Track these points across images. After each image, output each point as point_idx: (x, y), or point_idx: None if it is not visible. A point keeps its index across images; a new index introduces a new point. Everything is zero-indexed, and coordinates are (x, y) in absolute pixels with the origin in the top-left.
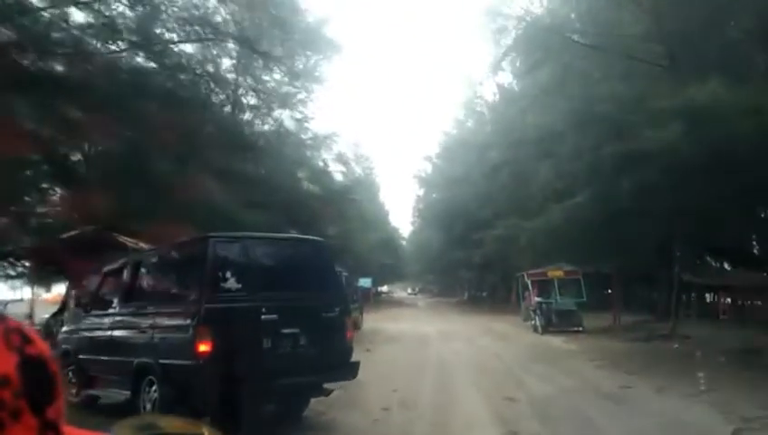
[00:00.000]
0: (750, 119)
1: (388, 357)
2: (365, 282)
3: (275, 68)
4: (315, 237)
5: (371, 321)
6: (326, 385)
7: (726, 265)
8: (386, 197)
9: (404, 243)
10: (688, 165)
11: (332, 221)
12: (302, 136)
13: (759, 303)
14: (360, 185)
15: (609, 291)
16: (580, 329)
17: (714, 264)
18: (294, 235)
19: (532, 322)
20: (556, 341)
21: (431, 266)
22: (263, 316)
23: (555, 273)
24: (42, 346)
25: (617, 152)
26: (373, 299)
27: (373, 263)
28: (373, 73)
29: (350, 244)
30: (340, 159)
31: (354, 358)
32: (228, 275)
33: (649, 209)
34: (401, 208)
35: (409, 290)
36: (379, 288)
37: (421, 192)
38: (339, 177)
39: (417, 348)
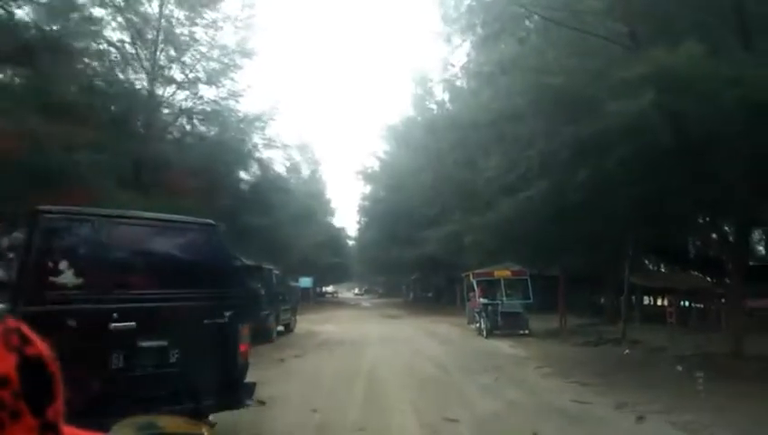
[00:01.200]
0: (730, 90)
1: (316, 366)
2: (305, 282)
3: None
4: (202, 220)
5: (309, 323)
6: (211, 417)
7: (663, 268)
8: (332, 195)
9: (351, 242)
10: (652, 151)
11: (259, 211)
12: (229, 115)
13: (701, 305)
14: (297, 173)
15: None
16: (527, 332)
17: (651, 266)
18: (173, 215)
19: (477, 325)
20: (502, 345)
21: (377, 267)
22: (112, 324)
23: (502, 273)
24: (41, 346)
25: (575, 134)
26: (314, 300)
27: (316, 262)
28: (316, 64)
29: (284, 239)
30: (272, 143)
31: (253, 377)
32: (65, 265)
33: (603, 206)
34: (349, 207)
35: (356, 291)
36: (324, 288)
37: (367, 189)
38: (277, 167)
39: (352, 354)
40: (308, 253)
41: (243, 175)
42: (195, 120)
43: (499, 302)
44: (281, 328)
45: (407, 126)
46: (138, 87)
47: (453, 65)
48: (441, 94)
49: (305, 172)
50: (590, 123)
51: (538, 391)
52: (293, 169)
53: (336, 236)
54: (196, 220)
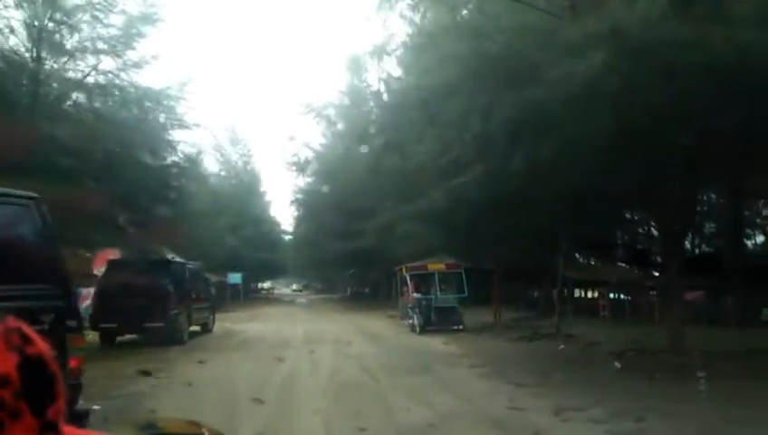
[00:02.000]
0: (691, 53)
1: (222, 373)
2: (234, 277)
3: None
4: (16, 191)
5: (234, 322)
6: None
7: (592, 261)
8: (268, 187)
9: (287, 237)
10: (593, 133)
11: (170, 199)
12: (131, 89)
13: (630, 298)
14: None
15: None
16: (461, 327)
17: (581, 260)
18: None
19: (410, 320)
20: (435, 342)
21: (312, 262)
22: None
23: (436, 266)
24: (42, 346)
25: (511, 116)
26: (245, 296)
27: (248, 257)
28: (241, 46)
29: (210, 232)
30: (183, 123)
31: (139, 389)
32: None
33: (538, 196)
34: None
35: (294, 287)
36: (261, 285)
37: (300, 181)
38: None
39: (271, 356)
40: (238, 248)
41: (150, 158)
42: (95, 96)
43: (433, 296)
44: (197, 328)
45: (340, 113)
46: (19, 55)
47: (387, 51)
48: (376, 83)
49: (237, 163)
50: (530, 93)
51: (471, 395)
52: (226, 162)
53: (270, 231)
54: (6, 191)
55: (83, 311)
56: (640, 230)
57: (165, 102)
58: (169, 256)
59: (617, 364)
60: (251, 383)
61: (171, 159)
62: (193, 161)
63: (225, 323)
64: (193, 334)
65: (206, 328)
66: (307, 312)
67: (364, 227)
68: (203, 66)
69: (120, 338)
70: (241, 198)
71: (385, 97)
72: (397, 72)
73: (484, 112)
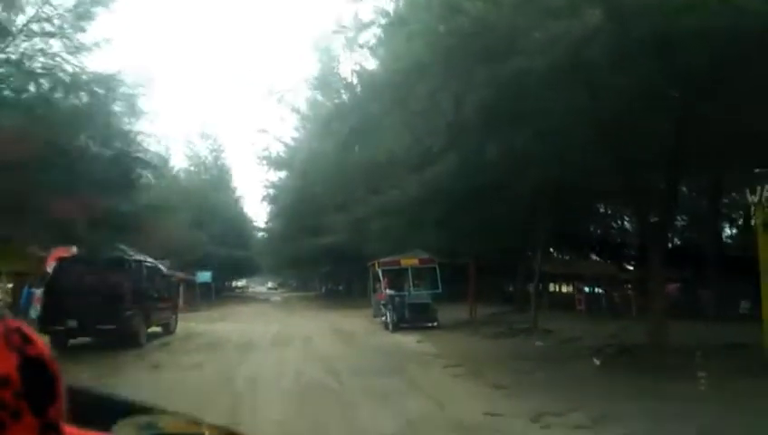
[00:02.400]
0: (685, 15)
1: (175, 379)
2: (203, 276)
3: None
4: None
5: (202, 321)
6: None
7: (564, 255)
8: (240, 183)
9: (262, 234)
10: (574, 116)
11: (118, 192)
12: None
13: (607, 292)
14: (196, 160)
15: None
16: (436, 324)
17: (555, 254)
18: None
19: (383, 318)
20: (409, 340)
21: (287, 259)
22: None
23: (409, 261)
24: (42, 346)
25: (491, 82)
26: (216, 295)
27: (220, 255)
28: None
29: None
30: (138, 111)
31: None
32: None
33: (514, 188)
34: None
35: (269, 285)
36: (235, 283)
37: (272, 176)
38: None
39: (232, 360)
40: (208, 245)
41: (101, 148)
42: (39, 81)
43: (406, 293)
44: (158, 329)
45: (313, 104)
46: None
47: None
48: (348, 73)
49: (207, 158)
50: (508, 67)
51: (444, 399)
52: (195, 157)
53: (241, 227)
54: None
55: (35, 313)
56: (614, 224)
57: (118, 89)
58: (127, 254)
59: (596, 361)
60: (206, 391)
61: (128, 149)
62: (153, 153)
63: (192, 323)
64: (154, 336)
65: (167, 329)
66: (280, 310)
67: (336, 221)
68: (173, 56)
69: (73, 341)
70: (211, 193)
71: (358, 88)
72: (369, 60)
73: (456, 96)
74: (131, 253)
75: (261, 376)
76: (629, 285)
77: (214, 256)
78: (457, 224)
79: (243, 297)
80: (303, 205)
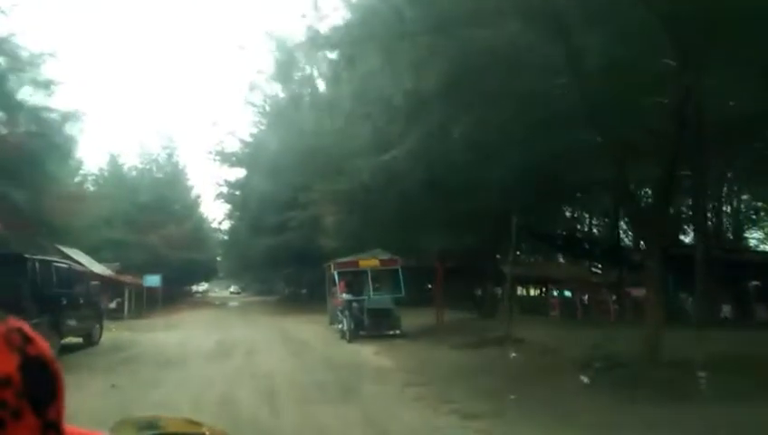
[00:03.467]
0: None
1: (71, 405)
2: (151, 280)
3: None
4: None
5: (140, 330)
6: None
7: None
8: (198, 182)
9: (220, 235)
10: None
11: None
12: None
13: (584, 296)
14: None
15: (430, 285)
16: (398, 332)
17: (521, 255)
18: None
19: (340, 326)
20: (366, 352)
21: (245, 261)
22: None
23: (368, 262)
24: (43, 346)
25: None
26: (169, 301)
27: (173, 257)
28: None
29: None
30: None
31: None
32: None
33: (486, 174)
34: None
35: (231, 289)
36: (195, 287)
37: (227, 173)
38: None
39: (152, 379)
40: (159, 247)
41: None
42: None
43: (365, 297)
44: (77, 340)
45: (269, 98)
46: None
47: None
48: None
49: (159, 155)
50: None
51: (399, 430)
52: (145, 154)
53: (197, 228)
54: None
55: None
56: (581, 225)
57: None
58: (30, 251)
59: (584, 379)
60: (102, 418)
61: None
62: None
63: (127, 332)
64: (71, 349)
65: (89, 340)
66: (234, 317)
67: (293, 220)
68: (125, 44)
69: None
70: (164, 192)
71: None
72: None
73: (415, 64)
74: (33, 251)
75: (176, 405)
76: (606, 290)
77: (167, 259)
78: (419, 220)
79: (199, 303)
80: (260, 203)
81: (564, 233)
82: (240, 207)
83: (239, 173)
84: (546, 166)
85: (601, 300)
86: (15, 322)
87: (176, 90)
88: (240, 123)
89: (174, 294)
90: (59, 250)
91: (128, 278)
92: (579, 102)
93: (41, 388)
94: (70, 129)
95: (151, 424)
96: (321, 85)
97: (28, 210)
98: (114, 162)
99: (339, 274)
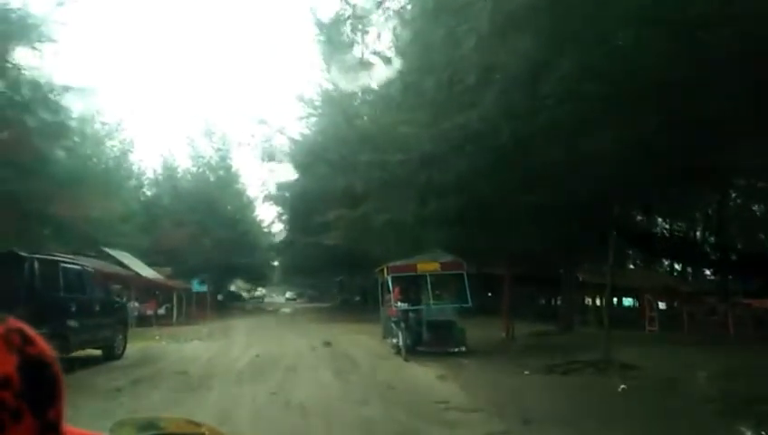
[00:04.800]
0: None
1: None
2: (198, 285)
3: None
4: None
5: (178, 338)
6: None
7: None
8: (250, 184)
9: (274, 239)
10: None
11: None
12: None
13: (689, 308)
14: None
15: (489, 293)
16: (463, 349)
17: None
18: None
19: (394, 340)
20: (428, 375)
21: (296, 267)
22: None
23: (427, 266)
24: (43, 347)
25: None
26: (220, 306)
27: (226, 262)
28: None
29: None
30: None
31: None
32: None
33: (585, 148)
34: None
35: (288, 295)
36: (251, 293)
37: (277, 175)
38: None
39: (163, 407)
40: (210, 251)
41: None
42: None
43: (424, 307)
44: (97, 352)
45: (321, 93)
46: None
47: None
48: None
49: (212, 158)
50: None
51: None
52: (197, 158)
53: (247, 232)
54: None
55: None
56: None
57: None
58: (31, 249)
59: (743, 430)
60: None
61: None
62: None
63: (163, 342)
64: (86, 362)
65: (110, 353)
66: (282, 325)
67: (341, 217)
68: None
69: None
70: (217, 196)
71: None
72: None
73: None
74: (37, 251)
75: None
76: (717, 300)
77: (218, 263)
78: (485, 215)
79: (251, 309)
80: (309, 204)
81: (679, 234)
82: (290, 209)
83: (289, 173)
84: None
85: (712, 312)
86: (15, 322)
87: (225, 88)
88: (289, 120)
89: (226, 300)
90: (105, 253)
91: (177, 283)
92: None
93: (40, 389)
94: (119, 133)
95: (151, 424)
96: (380, 71)
97: (75, 212)
98: (168, 166)
99: (393, 279)
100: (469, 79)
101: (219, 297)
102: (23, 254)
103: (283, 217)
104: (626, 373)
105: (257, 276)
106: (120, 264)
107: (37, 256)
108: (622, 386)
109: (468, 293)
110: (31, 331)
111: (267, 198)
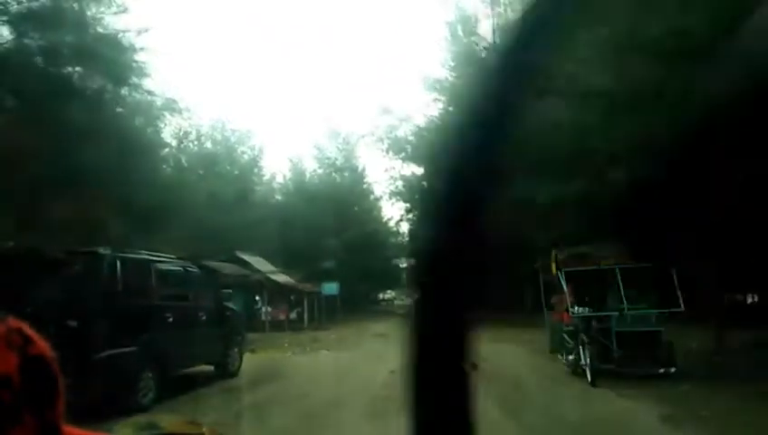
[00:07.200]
0: None
1: None
2: (329, 288)
3: None
4: None
5: (306, 347)
6: None
7: None
8: (375, 179)
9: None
10: None
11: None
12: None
13: None
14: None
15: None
16: (673, 370)
17: None
18: None
19: (570, 356)
20: (634, 412)
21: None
22: None
23: (616, 258)
24: (43, 346)
25: None
26: (349, 310)
27: (356, 264)
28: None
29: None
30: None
31: None
32: None
33: None
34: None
35: None
36: (381, 295)
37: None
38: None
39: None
40: (339, 253)
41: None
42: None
43: (614, 313)
44: (210, 368)
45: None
46: None
47: None
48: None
49: (337, 159)
50: None
51: None
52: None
53: (375, 231)
54: None
55: None
56: None
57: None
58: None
59: None
60: None
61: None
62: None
63: (289, 353)
64: (193, 384)
65: (223, 370)
66: None
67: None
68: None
69: None
70: (342, 196)
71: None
72: None
73: None
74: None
75: None
76: None
77: (346, 265)
78: (683, 191)
79: (380, 312)
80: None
81: None
82: (418, 206)
83: (415, 166)
84: None
85: None
86: (15, 322)
87: (346, 81)
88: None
89: (354, 303)
90: (238, 257)
91: (307, 286)
92: None
93: (40, 388)
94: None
95: (151, 424)
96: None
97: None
98: (295, 169)
99: (566, 275)
100: None
101: (349, 300)
102: (101, 251)
103: (410, 215)
104: None
105: (387, 278)
106: (253, 269)
107: (120, 254)
108: None
109: (679, 293)
110: (31, 330)
111: (393, 194)
